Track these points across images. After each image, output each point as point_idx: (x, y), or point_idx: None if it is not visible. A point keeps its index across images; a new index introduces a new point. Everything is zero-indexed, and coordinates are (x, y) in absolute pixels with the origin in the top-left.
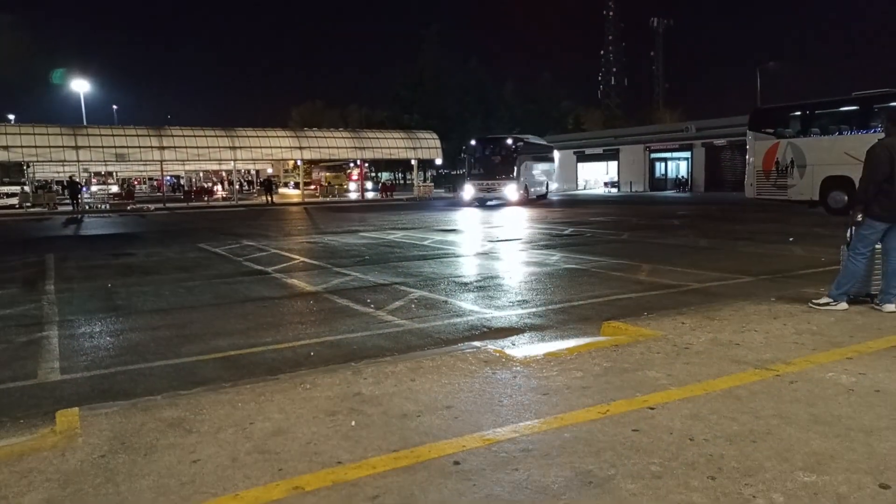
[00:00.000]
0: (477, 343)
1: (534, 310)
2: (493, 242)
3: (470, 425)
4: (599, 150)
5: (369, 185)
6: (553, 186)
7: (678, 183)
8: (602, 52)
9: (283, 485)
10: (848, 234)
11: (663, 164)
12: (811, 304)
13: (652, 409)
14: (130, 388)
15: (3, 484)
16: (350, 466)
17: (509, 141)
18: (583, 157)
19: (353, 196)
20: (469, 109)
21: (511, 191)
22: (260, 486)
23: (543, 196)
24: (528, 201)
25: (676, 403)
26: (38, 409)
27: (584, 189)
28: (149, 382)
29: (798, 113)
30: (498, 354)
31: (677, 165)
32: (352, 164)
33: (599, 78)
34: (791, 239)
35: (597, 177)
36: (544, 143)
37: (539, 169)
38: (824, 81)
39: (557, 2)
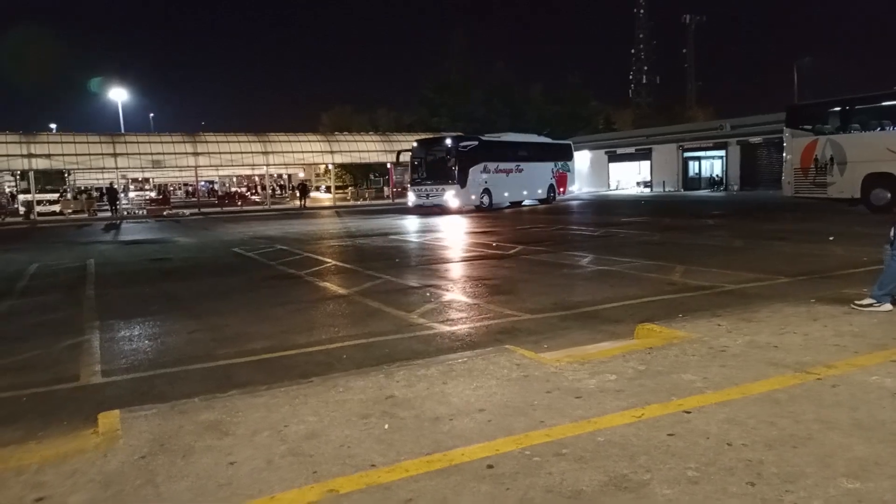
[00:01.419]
0: (508, 346)
1: (565, 312)
2: (523, 245)
3: (502, 429)
4: (631, 150)
5: None
6: (571, 188)
7: (712, 182)
8: (633, 50)
9: (318, 487)
10: (891, 233)
11: (697, 163)
12: (853, 306)
13: (688, 412)
14: (168, 390)
15: (48, 484)
16: (383, 470)
17: (448, 141)
18: (614, 157)
19: (385, 199)
20: (496, 111)
21: (450, 197)
22: (295, 489)
23: (547, 200)
24: (485, 209)
25: (713, 407)
26: (81, 411)
27: (616, 189)
28: (185, 385)
29: (837, 108)
30: (530, 357)
31: (711, 164)
32: None
33: (630, 77)
34: (831, 238)
35: (629, 177)
36: (542, 140)
37: (529, 170)
38: (864, 76)
39: (585, 1)
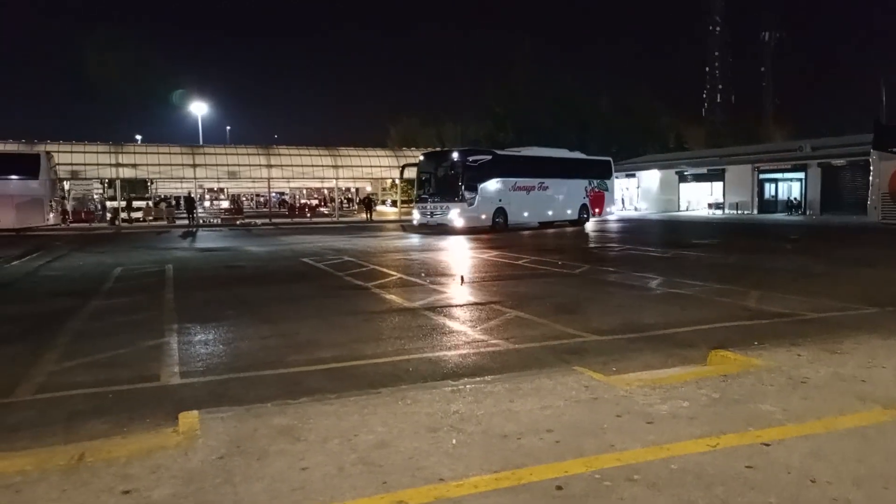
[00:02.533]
0: (577, 367)
1: (634, 335)
2: (588, 264)
3: (572, 450)
4: (703, 170)
5: None
6: (609, 208)
7: (790, 205)
8: (707, 68)
9: (388, 497)
10: None
11: (773, 185)
12: None
13: (767, 444)
14: (242, 394)
15: (135, 477)
16: (452, 484)
17: (455, 155)
18: (684, 178)
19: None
20: (563, 125)
21: (455, 215)
22: (365, 497)
23: (578, 222)
24: (503, 229)
25: (794, 440)
26: (162, 409)
27: (686, 210)
28: (258, 390)
29: None
30: (599, 379)
31: (789, 186)
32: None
33: (704, 95)
34: None
35: (700, 198)
36: (573, 155)
37: (556, 188)
38: None
39: (659, 17)
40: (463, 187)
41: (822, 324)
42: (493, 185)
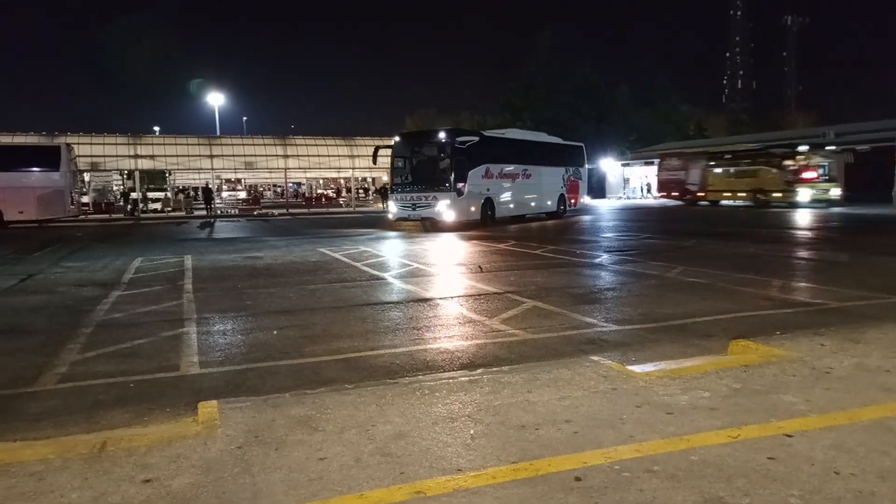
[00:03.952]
0: (595, 357)
1: (654, 324)
2: (608, 253)
3: (590, 441)
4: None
5: None
6: (583, 199)
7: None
8: (727, 53)
9: (406, 488)
10: None
11: None
12: None
13: (789, 436)
14: (260, 384)
15: (155, 466)
16: (470, 475)
17: (442, 135)
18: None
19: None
20: (581, 115)
21: (444, 207)
22: (383, 488)
23: (557, 213)
24: (492, 222)
25: (817, 432)
26: (181, 399)
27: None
28: (276, 380)
29: None
30: (617, 369)
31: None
32: (800, 147)
33: (724, 81)
34: None
35: None
36: (553, 140)
37: (537, 176)
38: None
39: (678, 1)
40: (452, 174)
41: (846, 313)
42: (482, 171)
